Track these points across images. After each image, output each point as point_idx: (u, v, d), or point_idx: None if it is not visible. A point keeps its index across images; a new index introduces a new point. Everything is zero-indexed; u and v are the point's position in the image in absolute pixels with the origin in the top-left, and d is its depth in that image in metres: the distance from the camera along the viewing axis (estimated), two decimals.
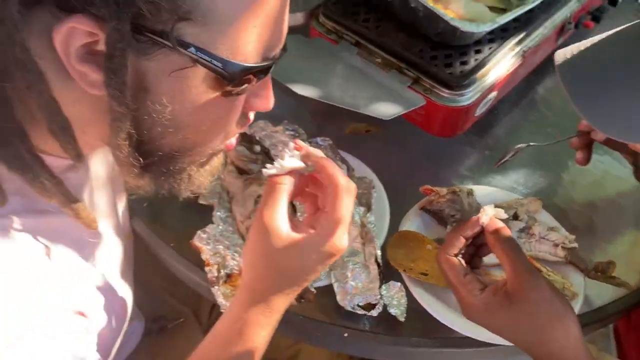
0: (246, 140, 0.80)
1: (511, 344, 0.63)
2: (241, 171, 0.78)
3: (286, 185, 0.55)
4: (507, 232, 0.57)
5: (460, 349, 0.65)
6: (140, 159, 0.49)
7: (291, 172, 0.56)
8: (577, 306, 0.67)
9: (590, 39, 0.57)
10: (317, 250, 0.54)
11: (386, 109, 0.75)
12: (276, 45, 0.48)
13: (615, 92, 0.52)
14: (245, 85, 0.46)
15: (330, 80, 0.78)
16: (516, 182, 0.82)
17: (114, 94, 0.42)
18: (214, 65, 0.43)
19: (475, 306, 0.56)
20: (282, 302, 0.57)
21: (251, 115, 0.54)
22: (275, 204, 0.55)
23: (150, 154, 0.50)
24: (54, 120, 0.45)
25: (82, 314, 0.52)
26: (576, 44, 0.58)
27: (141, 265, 0.94)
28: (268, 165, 0.56)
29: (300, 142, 0.57)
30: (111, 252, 0.65)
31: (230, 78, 0.45)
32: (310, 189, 0.59)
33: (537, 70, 0.96)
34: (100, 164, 0.66)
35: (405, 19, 0.86)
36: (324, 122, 0.86)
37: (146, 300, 0.91)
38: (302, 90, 0.74)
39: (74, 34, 0.40)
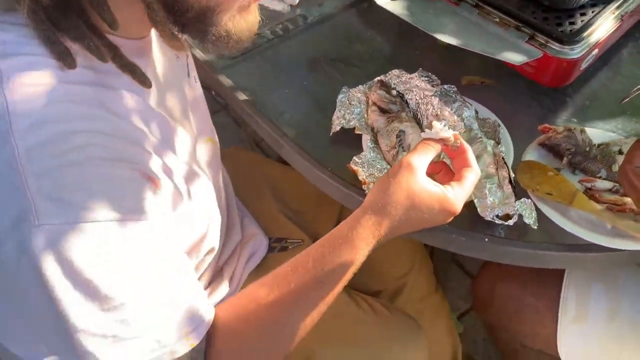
0: (385, 86, 0.93)
1: (629, 250, 0.76)
2: (383, 110, 0.91)
3: (435, 148, 0.69)
4: None
5: (585, 253, 0.78)
6: (176, 18, 0.57)
7: (441, 141, 0.70)
8: None
9: None
10: (442, 204, 0.67)
11: (513, 57, 0.88)
12: None
13: None
14: None
15: (465, 33, 0.92)
16: (615, 127, 0.94)
17: None
18: None
19: None
20: (387, 232, 0.66)
21: None
22: (424, 155, 0.68)
23: (182, 13, 0.56)
24: None
25: (152, 180, 0.57)
26: None
27: (261, 192, 1.08)
28: (427, 130, 0.71)
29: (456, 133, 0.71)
30: (177, 139, 0.69)
31: None
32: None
33: (625, 36, 1.08)
34: (169, 62, 0.73)
35: None
36: (442, 74, 0.98)
37: (268, 222, 1.03)
38: (447, 39, 0.88)
39: None
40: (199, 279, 0.84)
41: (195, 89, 0.81)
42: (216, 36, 0.59)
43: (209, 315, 0.63)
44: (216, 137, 0.88)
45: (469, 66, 1.04)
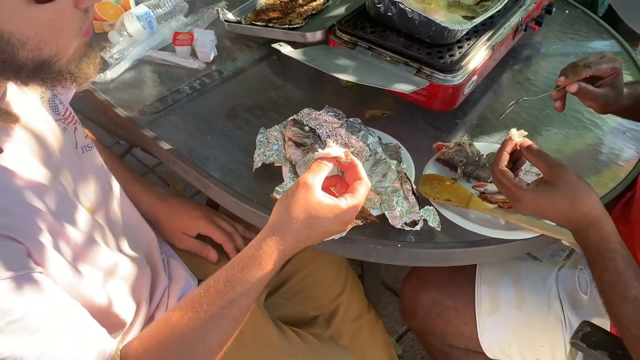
0: (298, 124, 1.04)
1: (521, 239, 0.88)
2: (298, 145, 1.01)
3: (328, 166, 0.78)
4: (535, 145, 0.83)
5: (481, 247, 0.90)
6: (15, 76, 0.58)
7: (333, 159, 0.79)
8: None
9: None
10: (336, 215, 0.73)
11: (404, 87, 1.02)
12: None
13: None
14: None
15: (362, 71, 1.04)
16: (499, 139, 1.09)
17: None
18: None
19: (527, 197, 0.79)
20: (292, 246, 0.72)
21: (89, 10, 0.62)
22: (318, 173, 0.76)
23: (18, 71, 0.58)
24: None
25: (10, 237, 0.61)
26: None
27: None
28: (319, 150, 0.79)
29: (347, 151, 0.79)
30: (50, 204, 0.69)
31: None
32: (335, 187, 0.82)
33: (502, 65, 1.27)
34: (53, 133, 0.75)
35: (402, 27, 1.14)
36: (348, 111, 1.09)
37: (197, 265, 1.06)
38: (345, 77, 1.00)
39: None
40: (129, 329, 0.87)
41: (83, 159, 0.83)
42: (61, 80, 0.63)
43: (109, 346, 0.67)
44: (107, 205, 0.88)
45: (371, 102, 1.17)
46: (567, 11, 1.49)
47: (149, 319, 0.95)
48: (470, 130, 1.13)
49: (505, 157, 0.84)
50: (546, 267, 1.06)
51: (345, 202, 0.75)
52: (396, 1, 1.09)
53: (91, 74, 0.66)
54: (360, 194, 0.77)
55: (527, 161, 0.88)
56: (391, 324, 1.67)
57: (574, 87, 0.94)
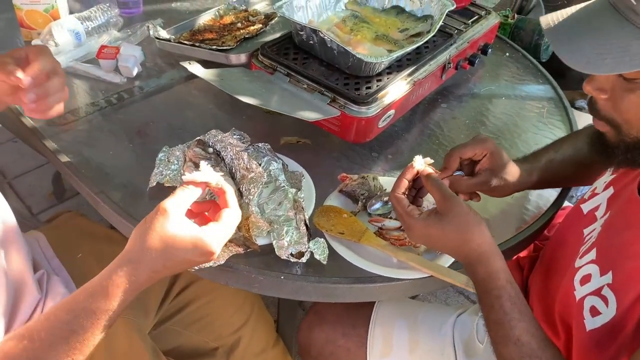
0: (201, 144, 1.01)
1: (409, 278, 0.85)
2: (197, 166, 0.98)
3: (194, 191, 0.72)
4: (434, 174, 0.80)
5: (368, 284, 0.86)
6: None
7: (203, 184, 0.74)
8: None
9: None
10: (196, 245, 0.68)
11: (311, 115, 0.99)
12: None
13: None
14: None
15: (270, 96, 1.02)
16: None
17: None
18: None
19: (417, 226, 0.77)
20: (146, 276, 0.68)
21: None
22: (181, 198, 0.71)
23: None
24: None
25: None
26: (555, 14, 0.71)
27: (85, 256, 1.07)
28: (187, 174, 0.75)
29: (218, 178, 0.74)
30: None
31: None
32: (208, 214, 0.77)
33: (430, 102, 1.25)
34: None
35: (324, 56, 1.12)
36: (264, 136, 1.06)
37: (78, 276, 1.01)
38: (249, 100, 0.98)
39: None
40: None
41: None
42: None
43: None
44: None
45: (290, 129, 1.14)
46: (507, 53, 1.49)
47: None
48: (384, 164, 1.10)
49: (404, 184, 0.81)
50: (446, 311, 1.02)
51: (208, 231, 0.70)
52: (317, 30, 1.07)
53: None
54: (225, 222, 0.72)
55: None
56: None
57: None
